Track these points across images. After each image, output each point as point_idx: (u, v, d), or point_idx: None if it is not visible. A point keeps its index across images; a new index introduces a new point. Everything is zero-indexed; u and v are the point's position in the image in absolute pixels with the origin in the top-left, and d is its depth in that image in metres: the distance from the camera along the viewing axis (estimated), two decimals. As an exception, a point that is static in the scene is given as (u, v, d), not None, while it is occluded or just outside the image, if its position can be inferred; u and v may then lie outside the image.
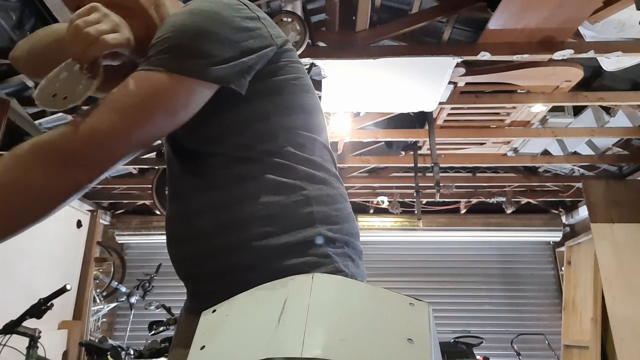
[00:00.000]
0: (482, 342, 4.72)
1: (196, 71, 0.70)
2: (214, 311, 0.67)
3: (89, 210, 3.72)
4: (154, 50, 0.72)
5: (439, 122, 3.80)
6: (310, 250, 0.73)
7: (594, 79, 3.46)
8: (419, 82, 2.99)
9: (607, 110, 3.83)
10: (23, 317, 2.25)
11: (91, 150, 0.66)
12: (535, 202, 5.90)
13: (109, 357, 3.05)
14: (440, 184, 5.01)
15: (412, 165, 4.39)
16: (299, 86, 0.84)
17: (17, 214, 0.65)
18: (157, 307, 4.00)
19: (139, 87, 0.69)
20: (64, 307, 3.25)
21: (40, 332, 2.28)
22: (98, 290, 5.28)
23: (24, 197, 0.65)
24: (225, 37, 0.73)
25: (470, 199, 5.86)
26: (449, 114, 3.69)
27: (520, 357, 4.77)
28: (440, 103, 3.35)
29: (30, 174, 0.65)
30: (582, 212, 5.45)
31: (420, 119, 3.91)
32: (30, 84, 3.36)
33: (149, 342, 3.29)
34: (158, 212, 5.17)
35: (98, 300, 5.14)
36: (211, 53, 0.71)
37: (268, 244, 0.72)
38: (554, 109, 3.76)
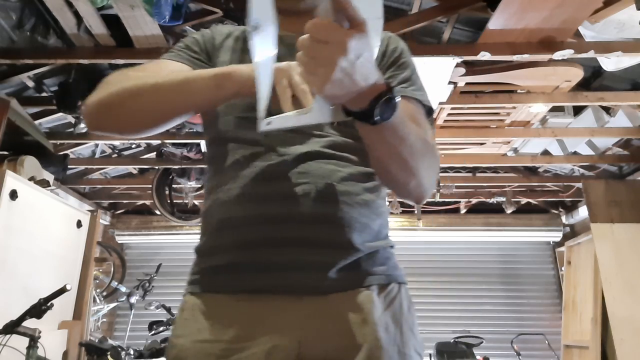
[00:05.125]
0: (482, 342, 4.72)
1: None
2: None
3: (89, 210, 3.71)
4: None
5: (439, 122, 3.80)
6: None
7: (594, 79, 3.46)
8: (419, 82, 2.98)
9: (607, 110, 3.82)
10: (23, 317, 2.25)
11: None
12: (535, 202, 5.90)
13: (109, 357, 3.05)
14: (440, 184, 5.02)
15: (412, 165, 4.37)
16: None
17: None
18: (157, 307, 4.00)
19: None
20: (64, 307, 3.24)
21: (40, 332, 2.27)
22: (98, 290, 5.27)
23: None
24: None
25: (470, 199, 5.85)
26: (449, 114, 3.69)
27: (520, 357, 4.76)
28: (440, 103, 3.35)
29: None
30: (582, 212, 5.45)
31: (420, 119, 3.90)
32: (30, 84, 3.36)
33: (149, 342, 3.29)
34: (158, 212, 5.17)
35: (98, 300, 5.13)
36: None
37: None
38: (554, 109, 3.75)
